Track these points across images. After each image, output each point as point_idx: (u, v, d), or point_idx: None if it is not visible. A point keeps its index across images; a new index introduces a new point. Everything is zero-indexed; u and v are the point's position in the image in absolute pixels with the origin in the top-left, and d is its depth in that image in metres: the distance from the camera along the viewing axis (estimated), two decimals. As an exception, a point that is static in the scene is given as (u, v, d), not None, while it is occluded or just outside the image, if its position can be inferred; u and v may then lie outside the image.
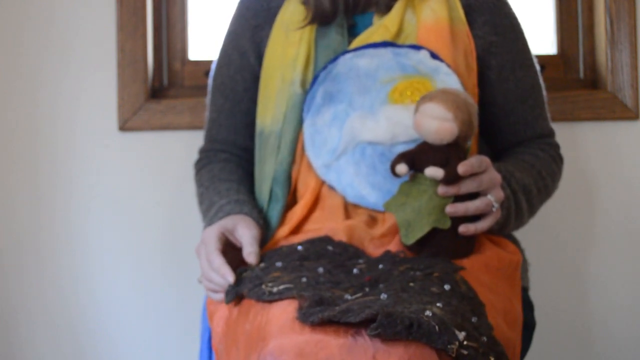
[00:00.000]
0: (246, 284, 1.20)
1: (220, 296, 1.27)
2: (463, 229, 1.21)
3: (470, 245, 1.25)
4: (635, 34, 1.79)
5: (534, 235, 1.71)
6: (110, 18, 1.79)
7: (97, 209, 1.80)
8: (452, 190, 1.20)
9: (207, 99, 1.54)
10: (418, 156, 1.22)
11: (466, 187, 1.20)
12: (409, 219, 1.21)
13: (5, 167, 1.80)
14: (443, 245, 1.21)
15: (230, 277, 1.23)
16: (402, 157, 1.22)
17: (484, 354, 1.03)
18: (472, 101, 1.23)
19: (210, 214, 1.38)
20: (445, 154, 1.20)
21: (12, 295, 1.80)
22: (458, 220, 1.21)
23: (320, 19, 1.39)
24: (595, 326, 1.81)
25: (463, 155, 1.22)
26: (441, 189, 1.20)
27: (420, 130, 1.21)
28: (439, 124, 1.19)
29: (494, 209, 1.23)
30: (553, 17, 1.89)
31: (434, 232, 1.21)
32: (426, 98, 1.21)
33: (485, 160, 1.22)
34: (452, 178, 1.19)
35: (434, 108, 1.20)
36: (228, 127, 1.50)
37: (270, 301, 1.12)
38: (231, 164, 1.48)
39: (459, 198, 1.21)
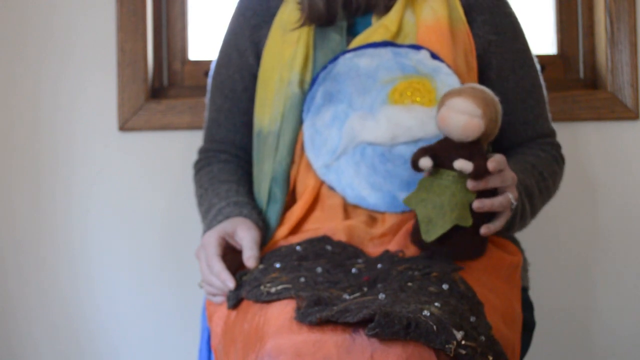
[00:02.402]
0: (245, 287, 1.20)
1: (221, 299, 1.27)
2: (485, 230, 1.21)
3: (484, 245, 1.24)
4: (635, 34, 1.78)
5: (534, 235, 1.71)
6: (110, 18, 1.79)
7: (96, 209, 1.80)
8: (481, 184, 1.19)
9: (207, 99, 1.54)
10: (440, 152, 1.20)
11: (492, 182, 1.20)
12: (431, 215, 1.20)
13: (5, 166, 1.80)
14: (462, 243, 1.21)
15: (230, 282, 1.24)
16: (425, 152, 1.20)
17: (482, 354, 1.03)
18: (497, 100, 1.23)
19: (209, 216, 1.38)
20: (469, 151, 1.19)
21: (12, 295, 1.80)
22: (476, 219, 1.21)
23: (315, 21, 1.39)
24: (595, 326, 1.81)
25: (485, 154, 1.21)
26: (470, 183, 1.19)
27: (446, 124, 1.19)
28: (467, 119, 1.18)
29: (512, 207, 1.24)
30: (553, 17, 1.89)
31: (453, 230, 1.20)
32: (454, 93, 1.20)
33: (504, 159, 1.23)
34: (480, 172, 1.18)
35: (463, 103, 1.18)
36: (227, 127, 1.50)
37: (269, 301, 1.12)
38: (231, 165, 1.48)
39: (482, 195, 1.21)
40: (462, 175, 1.19)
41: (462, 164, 1.17)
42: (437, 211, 1.19)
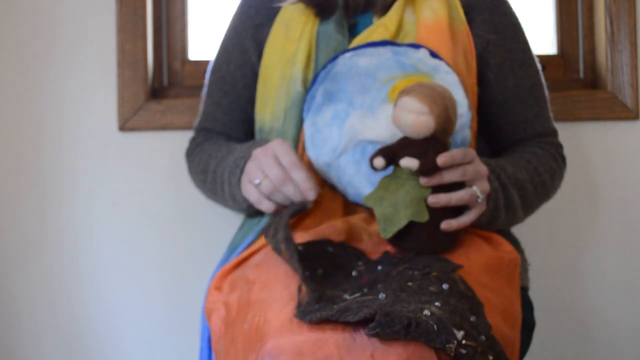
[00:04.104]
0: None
1: (271, 206, 1.28)
2: (445, 225, 1.21)
3: (450, 240, 1.24)
4: (635, 34, 1.78)
5: (534, 235, 1.71)
6: (110, 18, 1.79)
7: (97, 209, 1.80)
8: (433, 180, 1.20)
9: (203, 93, 1.54)
10: (397, 150, 1.22)
11: (449, 176, 1.20)
12: (387, 213, 1.21)
13: (6, 166, 1.80)
14: (422, 239, 1.21)
15: (311, 195, 1.24)
16: (381, 152, 1.22)
17: (482, 353, 1.03)
18: (450, 95, 1.23)
19: (235, 153, 1.36)
20: (424, 148, 1.21)
21: (15, 294, 1.80)
22: (437, 213, 1.21)
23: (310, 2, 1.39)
24: (595, 326, 1.81)
25: (443, 149, 1.22)
26: (423, 179, 1.20)
27: (398, 124, 1.21)
28: (414, 117, 1.19)
29: (478, 200, 1.23)
30: (553, 17, 1.89)
31: (412, 226, 1.21)
32: (403, 92, 1.22)
33: (471, 152, 1.22)
34: (428, 169, 1.19)
35: (409, 102, 1.20)
36: (225, 122, 1.51)
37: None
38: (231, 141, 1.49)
39: (442, 189, 1.21)
40: (416, 172, 1.20)
41: (407, 162, 1.19)
42: (392, 209, 1.21)
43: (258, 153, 1.30)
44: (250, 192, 1.31)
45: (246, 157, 1.33)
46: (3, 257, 1.80)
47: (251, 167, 1.31)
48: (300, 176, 1.25)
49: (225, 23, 1.54)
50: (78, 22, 1.80)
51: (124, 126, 1.79)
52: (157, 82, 1.85)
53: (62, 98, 1.80)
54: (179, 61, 1.87)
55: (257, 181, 1.29)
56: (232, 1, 1.61)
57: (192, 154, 1.52)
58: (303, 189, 1.25)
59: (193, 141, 1.55)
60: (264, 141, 1.35)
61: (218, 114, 1.51)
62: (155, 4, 1.84)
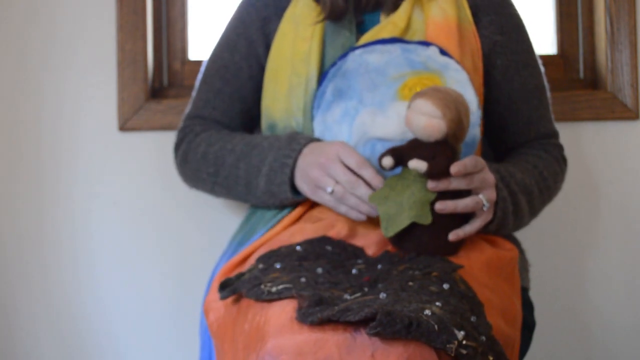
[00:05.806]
0: (245, 284, 1.19)
1: (360, 216, 1.28)
2: (453, 236, 1.22)
3: (452, 244, 1.24)
4: (635, 34, 1.78)
5: (534, 235, 1.71)
6: (110, 18, 1.79)
7: (97, 209, 1.80)
8: (441, 185, 1.20)
9: (198, 80, 1.53)
10: (407, 152, 1.23)
11: (456, 183, 1.21)
12: (390, 213, 1.22)
13: (6, 166, 1.80)
14: (423, 241, 1.22)
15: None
16: (390, 151, 1.23)
17: (483, 353, 1.03)
18: (464, 101, 1.23)
19: (272, 153, 1.35)
20: (433, 151, 1.21)
21: (14, 295, 1.80)
22: (440, 218, 1.21)
23: (334, 15, 1.39)
24: (595, 326, 1.81)
25: (452, 154, 1.22)
26: (431, 184, 1.20)
27: (410, 126, 1.22)
28: (427, 120, 1.20)
29: (484, 209, 1.23)
30: (553, 17, 1.89)
31: (414, 227, 1.22)
32: (418, 94, 1.22)
33: (481, 161, 1.23)
34: (436, 172, 1.20)
35: (423, 104, 1.20)
36: (223, 111, 1.49)
37: (270, 300, 1.12)
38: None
39: (449, 195, 1.21)
40: (423, 175, 1.21)
41: (416, 164, 1.20)
42: (396, 209, 1.22)
43: (321, 159, 1.29)
44: (324, 199, 1.31)
45: (293, 156, 1.33)
46: (2, 258, 1.80)
47: (316, 174, 1.30)
48: (369, 174, 1.26)
49: (226, 23, 1.53)
50: (78, 22, 1.79)
51: (124, 126, 1.79)
52: (157, 82, 1.85)
53: (62, 98, 1.80)
54: (179, 61, 1.87)
55: (329, 189, 1.29)
56: (232, 1, 1.60)
57: (189, 142, 1.49)
58: (375, 185, 1.26)
59: (183, 131, 1.51)
60: (307, 138, 1.34)
61: (217, 102, 1.49)
62: (155, 4, 1.84)
